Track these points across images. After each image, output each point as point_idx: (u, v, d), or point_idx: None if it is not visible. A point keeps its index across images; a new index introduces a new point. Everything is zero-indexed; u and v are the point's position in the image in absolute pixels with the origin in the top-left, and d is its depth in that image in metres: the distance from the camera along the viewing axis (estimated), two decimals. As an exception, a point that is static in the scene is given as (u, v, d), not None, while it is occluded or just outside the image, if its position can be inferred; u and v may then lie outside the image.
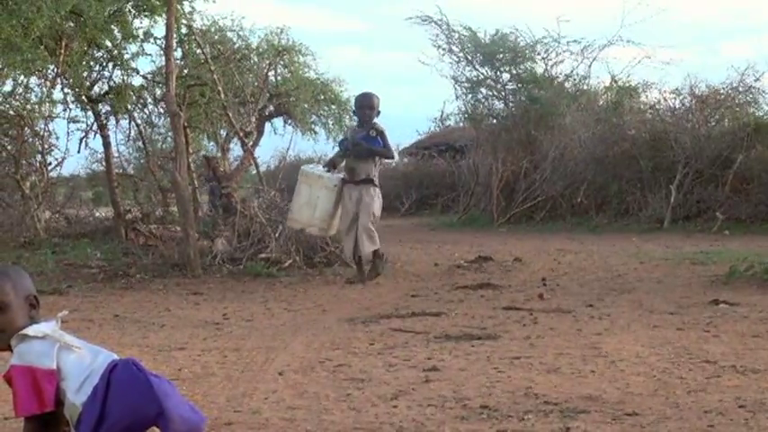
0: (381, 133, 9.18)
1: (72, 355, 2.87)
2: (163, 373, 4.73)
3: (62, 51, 12.28)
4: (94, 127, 13.43)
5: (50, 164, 13.88)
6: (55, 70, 12.70)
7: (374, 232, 9.12)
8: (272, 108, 19.29)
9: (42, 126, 13.55)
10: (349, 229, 9.14)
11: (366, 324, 6.56)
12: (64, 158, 13.91)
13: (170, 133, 12.70)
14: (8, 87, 12.92)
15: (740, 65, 20.01)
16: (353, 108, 9.73)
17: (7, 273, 2.98)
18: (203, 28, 14.28)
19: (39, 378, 2.83)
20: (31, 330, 2.90)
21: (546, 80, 20.02)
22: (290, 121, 21.79)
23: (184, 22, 12.91)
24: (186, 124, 11.91)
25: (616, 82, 20.84)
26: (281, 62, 19.90)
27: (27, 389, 2.83)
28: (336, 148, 10.53)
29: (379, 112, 9.41)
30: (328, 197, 9.15)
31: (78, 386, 2.82)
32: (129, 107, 13.76)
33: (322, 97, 21.26)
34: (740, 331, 5.99)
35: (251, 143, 14.60)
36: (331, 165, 9.52)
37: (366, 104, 9.30)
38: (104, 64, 13.43)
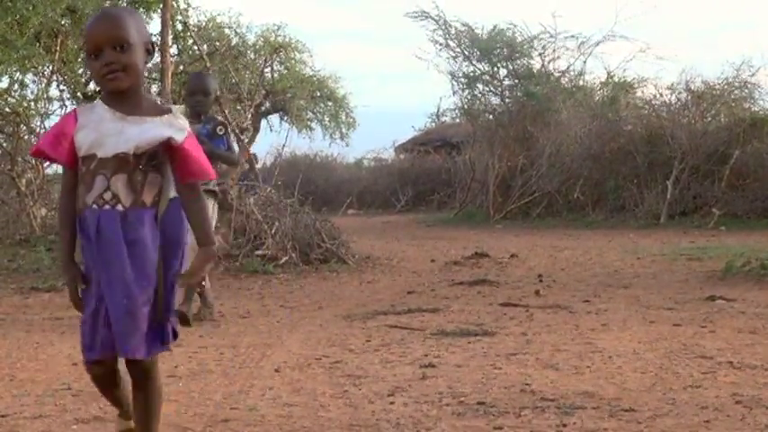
0: (227, 132, 6.79)
1: None
2: (159, 371, 4.74)
3: (58, 48, 12.28)
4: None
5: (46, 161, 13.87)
6: (50, 67, 12.69)
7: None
8: (268, 105, 19.32)
9: (38, 123, 13.54)
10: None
11: (363, 321, 6.56)
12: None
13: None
14: (4, 84, 12.91)
15: (735, 60, 20.06)
16: (184, 93, 7.29)
17: (132, 13, 2.99)
18: (200, 24, 14.28)
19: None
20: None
21: (542, 76, 20.05)
22: (286, 118, 21.82)
23: (180, 18, 12.90)
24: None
25: (612, 77, 20.88)
26: (278, 59, 19.92)
27: (204, 156, 2.95)
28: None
29: (216, 99, 7.55)
30: None
31: None
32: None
33: (318, 94, 21.29)
34: (736, 327, 6.00)
35: (247, 140, 14.59)
36: None
37: (199, 89, 6.70)
38: (100, 61, 13.43)
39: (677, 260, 10.35)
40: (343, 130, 23.33)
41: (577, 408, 3.84)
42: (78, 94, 13.06)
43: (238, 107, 14.80)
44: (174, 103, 10.97)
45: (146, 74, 12.88)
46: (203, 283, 6.61)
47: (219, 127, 6.66)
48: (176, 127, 2.86)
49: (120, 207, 2.81)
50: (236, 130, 13.56)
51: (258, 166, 18.12)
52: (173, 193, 2.92)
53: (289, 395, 4.18)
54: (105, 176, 2.80)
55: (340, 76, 23.95)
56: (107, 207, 2.81)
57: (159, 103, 2.98)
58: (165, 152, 2.85)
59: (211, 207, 6.64)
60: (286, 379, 4.53)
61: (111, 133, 2.81)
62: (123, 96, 2.85)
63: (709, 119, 18.28)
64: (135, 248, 2.80)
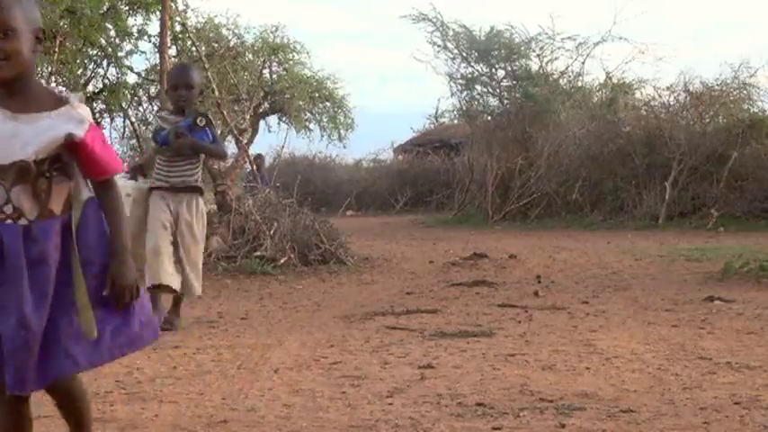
0: (210, 123, 6.37)
1: None
2: (158, 371, 4.74)
3: (57, 49, 12.28)
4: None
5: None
6: (49, 68, 12.68)
7: (200, 267, 6.50)
8: (266, 105, 19.30)
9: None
10: (159, 248, 6.13)
11: (361, 321, 6.56)
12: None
13: (164, 131, 12.69)
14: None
15: (734, 61, 20.08)
16: (167, 87, 6.87)
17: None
18: (198, 25, 14.28)
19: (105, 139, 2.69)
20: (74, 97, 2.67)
21: (541, 77, 20.05)
22: (284, 119, 21.81)
23: (179, 19, 12.90)
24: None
25: (610, 79, 20.89)
26: (276, 60, 19.91)
27: (110, 148, 2.69)
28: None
29: (201, 93, 7.00)
30: (131, 211, 6.04)
31: None
32: (124, 105, 13.75)
33: (317, 95, 21.27)
34: (735, 328, 6.00)
35: (245, 141, 14.60)
36: (138, 171, 6.50)
37: (182, 82, 6.32)
38: (99, 62, 13.44)
39: (676, 261, 10.36)
40: (342, 132, 23.32)
41: (576, 409, 3.84)
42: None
43: (236, 108, 14.82)
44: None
45: (144, 75, 12.80)
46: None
47: (200, 118, 6.25)
48: (75, 119, 2.59)
49: (23, 221, 2.53)
50: (235, 131, 13.59)
51: (265, 166, 18.18)
52: (87, 195, 2.67)
53: (287, 396, 4.18)
54: (3, 187, 2.53)
55: (339, 77, 23.93)
56: (9, 222, 2.53)
57: (56, 92, 2.68)
58: (68, 150, 2.58)
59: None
60: (285, 380, 4.53)
61: (3, 136, 2.54)
62: (11, 90, 2.58)
63: (708, 120, 18.28)
64: (37, 269, 2.52)
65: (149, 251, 6.07)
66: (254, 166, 14.42)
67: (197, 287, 6.33)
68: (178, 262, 6.20)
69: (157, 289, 6.10)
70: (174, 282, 6.12)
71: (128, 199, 5.94)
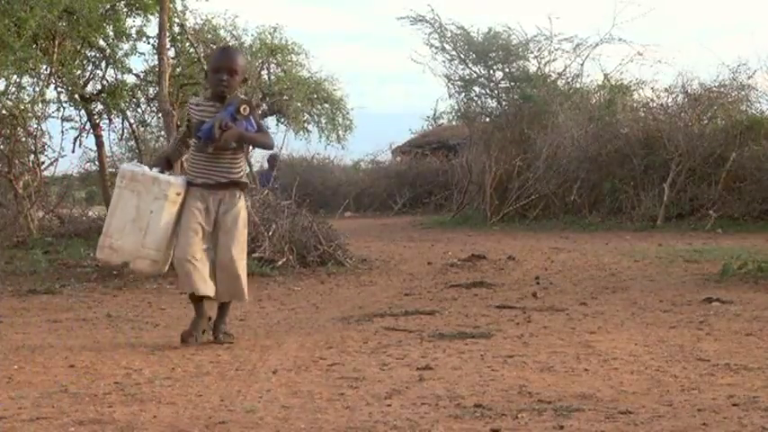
0: (253, 110, 5.72)
1: None
2: (156, 373, 4.74)
3: (55, 50, 12.28)
4: (87, 126, 13.43)
5: (43, 163, 13.89)
6: (48, 69, 12.69)
7: (245, 269, 5.89)
8: (265, 107, 19.29)
9: (35, 125, 13.55)
10: (188, 255, 5.56)
11: (359, 323, 6.56)
12: (57, 158, 13.92)
13: (163, 132, 12.71)
14: (1, 86, 12.92)
15: (732, 62, 20.07)
16: (206, 71, 6.06)
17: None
18: (196, 27, 14.27)
19: None
20: None
21: (539, 78, 20.04)
22: (282, 120, 21.81)
23: (177, 20, 12.90)
24: (179, 123, 11.89)
25: (609, 80, 20.87)
26: (275, 61, 19.91)
27: None
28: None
29: (245, 81, 6.06)
30: (167, 212, 5.59)
31: None
32: (123, 106, 13.75)
33: (315, 96, 21.27)
34: (733, 329, 6.00)
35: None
36: (164, 163, 5.82)
37: (225, 65, 5.68)
38: (97, 63, 13.43)
39: (674, 262, 10.36)
40: (340, 133, 23.34)
41: (574, 410, 3.84)
42: (76, 96, 13.05)
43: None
44: (172, 106, 10.99)
45: (142, 77, 12.78)
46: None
47: (243, 106, 5.58)
48: None
49: None
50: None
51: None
52: None
53: (286, 397, 4.18)
54: None
55: (337, 78, 23.93)
56: None
57: None
58: None
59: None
60: (283, 381, 4.53)
61: None
62: None
63: (706, 121, 18.29)
64: None
65: (178, 260, 5.58)
66: (270, 166, 14.46)
67: (243, 290, 5.80)
68: (217, 265, 5.69)
69: (194, 296, 5.70)
70: (209, 289, 5.62)
71: (176, 200, 5.59)
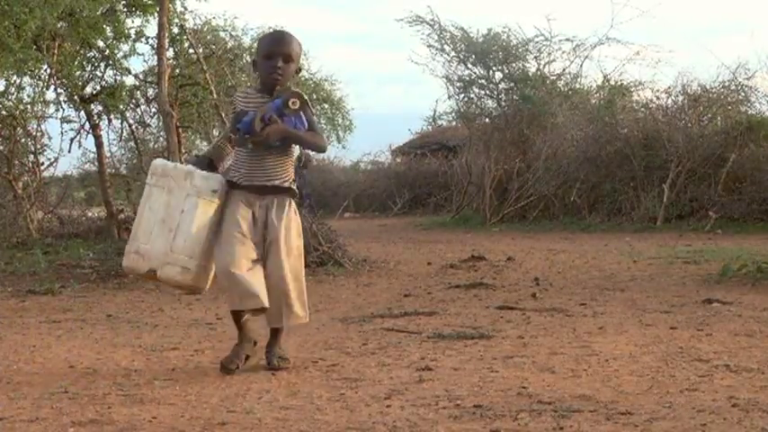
0: (305, 105, 4.84)
1: None
2: (156, 373, 4.74)
3: (55, 51, 12.27)
4: (86, 127, 13.42)
5: (43, 164, 13.89)
6: (48, 70, 12.68)
7: (304, 287, 4.95)
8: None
9: (35, 126, 13.54)
10: (232, 266, 4.69)
11: (359, 324, 6.56)
12: (57, 158, 13.91)
13: (162, 133, 12.70)
14: (1, 87, 12.90)
15: (732, 63, 20.08)
16: (255, 57, 5.06)
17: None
18: (196, 27, 14.26)
19: None
20: None
21: (538, 79, 20.06)
22: (282, 121, 21.79)
23: (177, 21, 12.89)
24: (178, 124, 11.88)
25: (608, 81, 20.89)
26: (274, 62, 19.87)
27: None
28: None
29: (299, 71, 5.17)
30: (201, 212, 4.78)
31: None
32: (122, 107, 13.74)
33: (315, 96, 21.26)
34: (733, 330, 6.00)
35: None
36: (206, 164, 4.98)
37: (279, 51, 4.85)
38: (97, 64, 13.41)
39: (674, 263, 10.36)
40: (340, 133, 23.34)
41: (574, 411, 3.84)
42: (75, 97, 13.04)
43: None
44: (171, 107, 10.98)
45: (142, 77, 12.79)
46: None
47: (293, 99, 4.76)
48: None
49: None
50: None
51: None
52: None
53: (285, 398, 4.18)
54: None
55: (337, 78, 23.91)
56: None
57: None
58: None
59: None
60: (282, 382, 4.53)
61: None
62: None
63: (706, 122, 18.30)
64: None
65: (221, 273, 4.73)
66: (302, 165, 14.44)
67: (299, 311, 4.89)
68: (267, 279, 4.76)
69: (236, 315, 4.91)
70: (258, 301, 4.71)
71: (214, 198, 4.78)
